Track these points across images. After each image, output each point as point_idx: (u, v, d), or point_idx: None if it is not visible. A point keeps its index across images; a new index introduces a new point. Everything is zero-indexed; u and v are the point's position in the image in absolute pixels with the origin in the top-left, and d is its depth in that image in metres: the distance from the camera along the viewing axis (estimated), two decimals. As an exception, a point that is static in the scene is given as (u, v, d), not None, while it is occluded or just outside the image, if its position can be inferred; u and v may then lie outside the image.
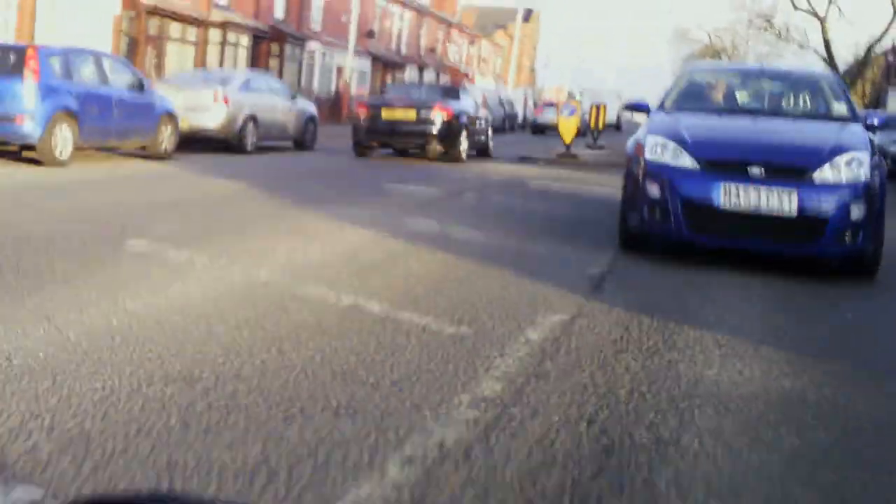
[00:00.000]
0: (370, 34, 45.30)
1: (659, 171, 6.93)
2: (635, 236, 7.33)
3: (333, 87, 41.73)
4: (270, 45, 35.73)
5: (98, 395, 3.23)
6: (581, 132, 24.95)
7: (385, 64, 47.61)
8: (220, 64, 31.20)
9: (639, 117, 18.34)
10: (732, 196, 6.59)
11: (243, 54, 33.21)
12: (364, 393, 3.41)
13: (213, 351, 3.87)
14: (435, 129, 17.85)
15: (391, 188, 12.26)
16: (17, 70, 12.31)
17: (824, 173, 6.68)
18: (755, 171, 6.65)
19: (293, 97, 19.40)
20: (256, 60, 33.88)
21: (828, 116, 8.25)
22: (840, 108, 8.37)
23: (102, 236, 6.65)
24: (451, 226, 8.60)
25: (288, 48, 36.89)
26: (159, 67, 27.96)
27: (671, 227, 6.83)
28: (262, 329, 4.28)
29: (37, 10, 23.32)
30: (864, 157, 6.84)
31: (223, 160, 15.27)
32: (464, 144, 18.55)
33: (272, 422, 3.06)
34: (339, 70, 41.60)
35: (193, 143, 16.30)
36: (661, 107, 8.21)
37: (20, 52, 12.60)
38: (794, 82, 9.29)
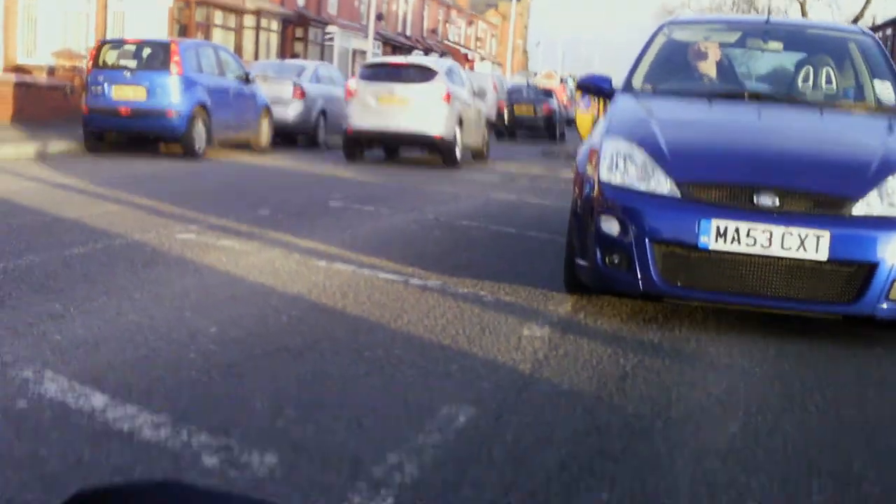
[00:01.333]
0: (379, 17, 47.81)
1: (620, 200, 4.78)
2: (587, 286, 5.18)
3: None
4: (296, 29, 38.32)
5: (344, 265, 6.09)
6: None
7: (394, 47, 50.18)
8: (256, 46, 33.77)
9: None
10: (730, 238, 4.52)
11: (274, 38, 35.81)
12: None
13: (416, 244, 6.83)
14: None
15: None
16: (164, 65, 14.77)
17: (870, 204, 4.57)
18: (765, 200, 4.55)
19: (352, 90, 21.98)
20: (284, 44, 36.48)
21: (867, 104, 5.87)
22: (885, 90, 5.89)
23: (314, 200, 9.67)
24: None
25: (311, 32, 39.48)
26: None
27: (637, 277, 4.69)
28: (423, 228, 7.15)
29: (108, 5, 25.82)
30: None
31: (310, 154, 17.55)
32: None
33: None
34: (355, 53, 44.19)
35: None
36: (628, 86, 5.89)
37: (165, 47, 15.10)
38: (815, 46, 6.54)
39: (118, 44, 15.70)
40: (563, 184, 11.86)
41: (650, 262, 4.64)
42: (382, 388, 3.69)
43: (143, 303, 4.88)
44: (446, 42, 60.27)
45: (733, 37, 6.81)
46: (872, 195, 4.59)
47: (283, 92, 18.35)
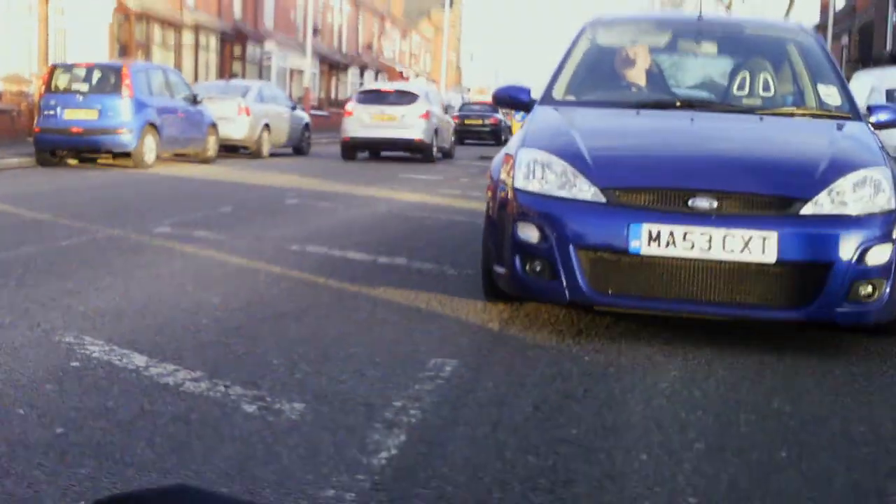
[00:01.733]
0: (315, 31, 48.21)
1: (538, 208, 4.51)
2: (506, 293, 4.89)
3: (288, 90, 44.68)
4: (234, 47, 38.67)
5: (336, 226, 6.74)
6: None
7: (330, 65, 50.67)
8: (196, 65, 34.08)
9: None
10: (664, 242, 4.25)
11: (213, 58, 36.16)
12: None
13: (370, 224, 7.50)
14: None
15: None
16: (115, 88, 15.37)
17: (820, 204, 4.34)
18: (702, 203, 4.30)
19: (293, 107, 22.67)
20: (223, 63, 36.84)
21: (810, 109, 5.55)
22: (830, 94, 5.64)
23: (270, 199, 10.34)
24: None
25: (249, 49, 39.86)
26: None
27: (563, 285, 4.39)
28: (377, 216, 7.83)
29: (49, 17, 26.01)
30: (882, 175, 4.48)
31: (255, 162, 18.58)
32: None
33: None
34: (292, 72, 44.62)
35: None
36: (547, 95, 5.51)
37: (117, 70, 15.67)
38: (752, 48, 6.13)
39: (69, 68, 16.22)
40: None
41: (576, 269, 4.33)
42: (375, 344, 4.29)
43: (146, 281, 5.52)
44: (381, 60, 60.99)
45: (663, 38, 6.36)
46: (822, 196, 4.32)
47: (229, 110, 19.54)
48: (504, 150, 5.15)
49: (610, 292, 4.36)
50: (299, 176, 15.11)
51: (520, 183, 4.57)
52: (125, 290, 5.23)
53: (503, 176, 4.79)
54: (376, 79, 57.12)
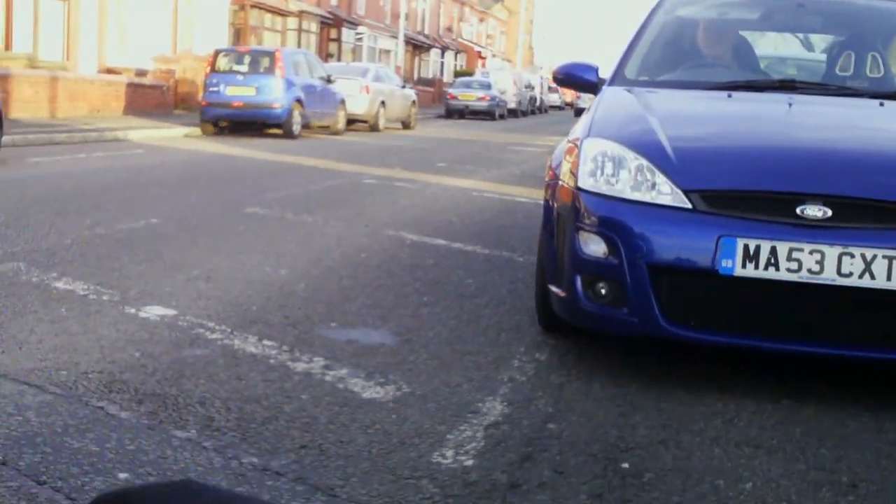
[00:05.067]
0: (405, 17, 51.09)
1: (607, 214, 3.57)
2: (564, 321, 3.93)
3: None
4: (330, 30, 41.64)
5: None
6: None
7: (415, 46, 53.42)
8: (298, 47, 37.09)
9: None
10: (763, 261, 3.29)
11: (313, 39, 39.14)
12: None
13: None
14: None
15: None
16: (270, 69, 18.33)
17: None
18: (813, 211, 3.32)
19: (403, 86, 25.46)
20: (321, 44, 39.82)
21: None
22: None
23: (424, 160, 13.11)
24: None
25: (344, 32, 42.80)
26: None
27: (633, 314, 3.49)
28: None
29: (178, 8, 29.16)
30: None
31: (371, 136, 21.40)
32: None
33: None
34: (380, 52, 47.50)
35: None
36: (619, 75, 4.69)
37: (271, 54, 18.65)
38: (862, 23, 5.22)
39: (230, 52, 19.20)
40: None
41: (651, 293, 3.44)
42: (466, 294, 5.28)
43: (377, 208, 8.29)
44: (460, 40, 63.53)
45: (756, 13, 5.49)
46: None
47: (353, 89, 22.14)
48: (568, 138, 4.20)
49: (692, 324, 3.44)
50: (413, 145, 17.86)
51: (584, 182, 3.67)
52: (358, 213, 8.12)
53: (565, 171, 3.91)
54: (455, 58, 59.74)
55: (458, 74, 54.15)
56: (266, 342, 3.88)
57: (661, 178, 3.50)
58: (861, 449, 3.02)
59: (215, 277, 5.11)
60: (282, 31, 36.65)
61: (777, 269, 3.24)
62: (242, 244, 6.16)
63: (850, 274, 3.21)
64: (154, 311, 4.30)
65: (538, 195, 8.71)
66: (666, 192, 3.47)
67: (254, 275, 5.21)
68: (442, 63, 58.50)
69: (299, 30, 37.97)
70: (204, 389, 3.25)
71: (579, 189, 3.65)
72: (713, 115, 4.21)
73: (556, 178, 4.02)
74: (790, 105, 4.17)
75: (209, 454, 2.71)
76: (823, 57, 5.32)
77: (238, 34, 33.09)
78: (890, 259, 3.19)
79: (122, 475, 2.53)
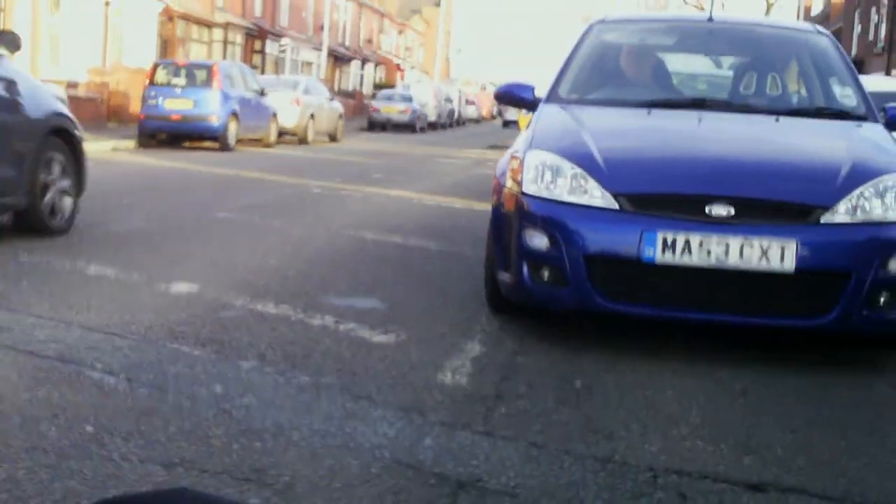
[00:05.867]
0: (322, 28, 51.96)
1: (548, 214, 4.31)
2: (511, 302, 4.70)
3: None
4: (255, 41, 42.33)
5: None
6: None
7: (336, 58, 54.27)
8: (224, 58, 37.70)
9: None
10: (679, 250, 4.09)
11: (238, 51, 39.80)
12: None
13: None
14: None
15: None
16: (207, 83, 19.06)
17: (840, 213, 4.18)
18: (719, 210, 4.12)
19: (331, 98, 26.36)
20: (245, 56, 40.47)
21: (827, 111, 5.33)
22: (846, 94, 5.53)
23: (360, 172, 14.04)
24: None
25: (268, 44, 43.53)
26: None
27: (572, 293, 4.26)
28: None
29: (109, 21, 29.61)
30: None
31: (301, 148, 22.16)
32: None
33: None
34: (303, 65, 48.29)
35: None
36: (553, 94, 5.36)
37: (208, 67, 19.40)
38: (765, 48, 6.07)
39: (168, 65, 19.94)
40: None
41: (586, 277, 4.16)
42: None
43: (360, 208, 9.27)
44: (379, 53, 64.59)
45: (671, 38, 6.32)
46: (843, 204, 4.14)
47: (284, 101, 22.89)
48: (510, 151, 4.95)
49: (621, 300, 4.18)
50: (349, 155, 18.85)
51: (528, 187, 4.37)
52: (351, 210, 9.09)
53: (509, 180, 4.59)
54: (375, 71, 60.80)
55: (377, 87, 55.25)
56: (282, 306, 4.89)
57: (592, 184, 4.23)
58: (752, 369, 4.25)
59: (218, 264, 6.06)
60: (208, 43, 37.26)
61: (691, 256, 4.03)
62: (229, 241, 7.10)
63: (750, 259, 4.01)
64: (181, 287, 5.25)
65: (472, 204, 9.94)
66: (597, 196, 4.21)
67: (250, 263, 6.16)
68: (362, 75, 59.52)
69: (225, 41, 38.61)
70: (248, 337, 4.24)
71: (524, 193, 4.36)
72: (636, 129, 4.92)
73: (500, 185, 4.73)
74: (700, 121, 4.95)
75: (272, 375, 3.70)
76: (730, 73, 6.16)
77: (166, 45, 33.61)
78: (781, 247, 3.99)
79: (218, 388, 3.50)
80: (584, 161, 4.32)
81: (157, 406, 3.25)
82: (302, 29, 48.08)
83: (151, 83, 19.20)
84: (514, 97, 5.49)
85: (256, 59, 42.17)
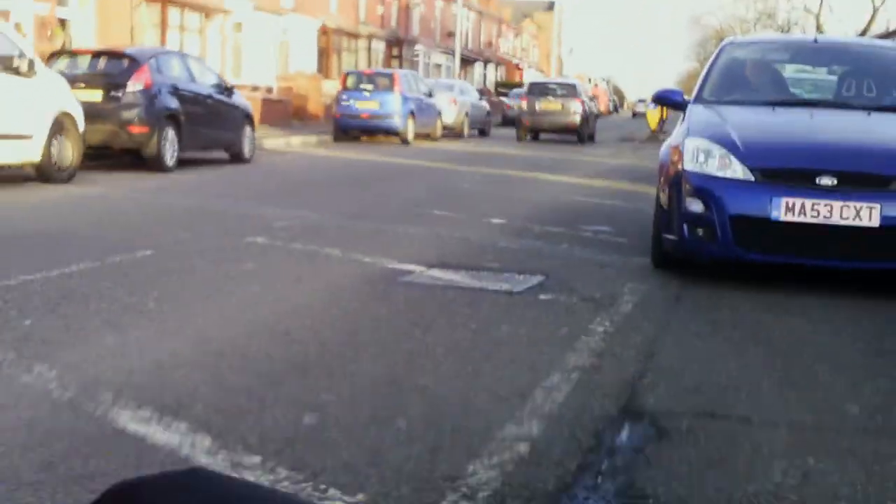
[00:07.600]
0: (451, 34, 55.92)
1: (703, 185, 5.63)
2: (672, 258, 6.18)
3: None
4: (392, 48, 46.50)
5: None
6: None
7: (462, 60, 58.06)
8: (368, 64, 41.91)
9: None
10: (797, 211, 5.36)
11: (380, 56, 44.02)
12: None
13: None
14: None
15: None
16: (390, 87, 22.90)
17: None
18: (826, 181, 5.40)
19: (480, 98, 29.95)
20: (386, 60, 44.63)
21: None
22: None
23: (525, 161, 17.62)
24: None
25: (404, 50, 47.65)
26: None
27: (717, 245, 5.60)
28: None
29: (279, 38, 33.89)
30: None
31: (460, 142, 25.83)
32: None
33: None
34: (434, 66, 52.28)
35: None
36: (699, 97, 6.76)
37: (390, 75, 23.34)
38: (861, 61, 7.51)
39: (357, 73, 23.96)
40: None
41: (730, 233, 5.48)
42: None
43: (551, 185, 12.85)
44: (499, 54, 68.19)
45: (786, 55, 8.01)
46: None
47: (444, 101, 26.52)
48: (668, 142, 6.47)
49: (755, 250, 5.54)
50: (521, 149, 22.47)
51: (688, 165, 5.71)
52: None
53: (672, 162, 5.99)
54: (496, 70, 64.52)
55: (500, 84, 58.80)
56: (559, 227, 8.47)
57: (735, 162, 5.60)
58: (843, 305, 5.59)
59: (513, 208, 9.69)
60: (355, 51, 41.53)
61: (805, 216, 5.34)
62: (500, 200, 10.76)
63: (848, 218, 5.32)
64: (495, 220, 8.87)
65: (625, 186, 13.37)
66: (738, 171, 5.58)
67: (521, 210, 9.78)
68: (485, 75, 63.26)
69: (368, 49, 42.82)
70: (560, 239, 7.83)
71: (684, 170, 5.74)
72: (765, 121, 6.33)
73: (664, 165, 6.25)
74: (811, 116, 6.40)
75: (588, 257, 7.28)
76: (834, 79, 7.57)
77: (321, 55, 37.91)
78: (870, 209, 5.30)
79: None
80: (728, 144, 5.70)
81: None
82: (431, 36, 52.16)
83: (344, 88, 23.11)
84: (669, 100, 7.19)
85: (394, 63, 46.33)
